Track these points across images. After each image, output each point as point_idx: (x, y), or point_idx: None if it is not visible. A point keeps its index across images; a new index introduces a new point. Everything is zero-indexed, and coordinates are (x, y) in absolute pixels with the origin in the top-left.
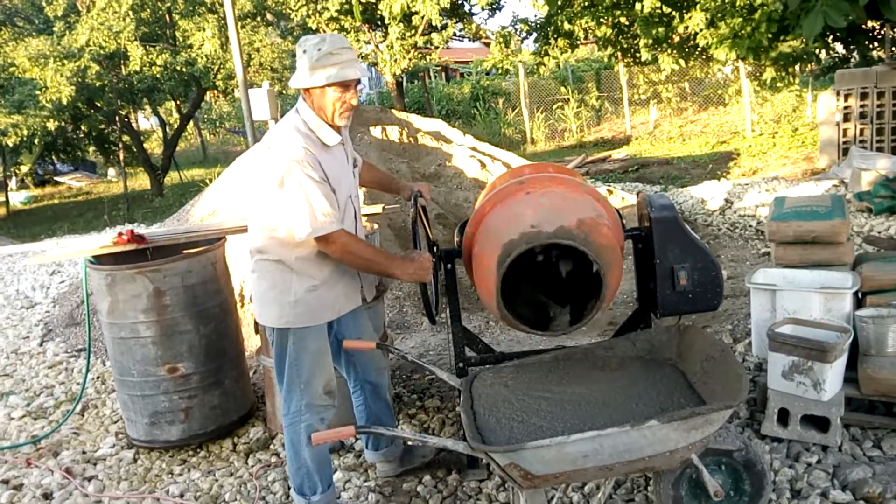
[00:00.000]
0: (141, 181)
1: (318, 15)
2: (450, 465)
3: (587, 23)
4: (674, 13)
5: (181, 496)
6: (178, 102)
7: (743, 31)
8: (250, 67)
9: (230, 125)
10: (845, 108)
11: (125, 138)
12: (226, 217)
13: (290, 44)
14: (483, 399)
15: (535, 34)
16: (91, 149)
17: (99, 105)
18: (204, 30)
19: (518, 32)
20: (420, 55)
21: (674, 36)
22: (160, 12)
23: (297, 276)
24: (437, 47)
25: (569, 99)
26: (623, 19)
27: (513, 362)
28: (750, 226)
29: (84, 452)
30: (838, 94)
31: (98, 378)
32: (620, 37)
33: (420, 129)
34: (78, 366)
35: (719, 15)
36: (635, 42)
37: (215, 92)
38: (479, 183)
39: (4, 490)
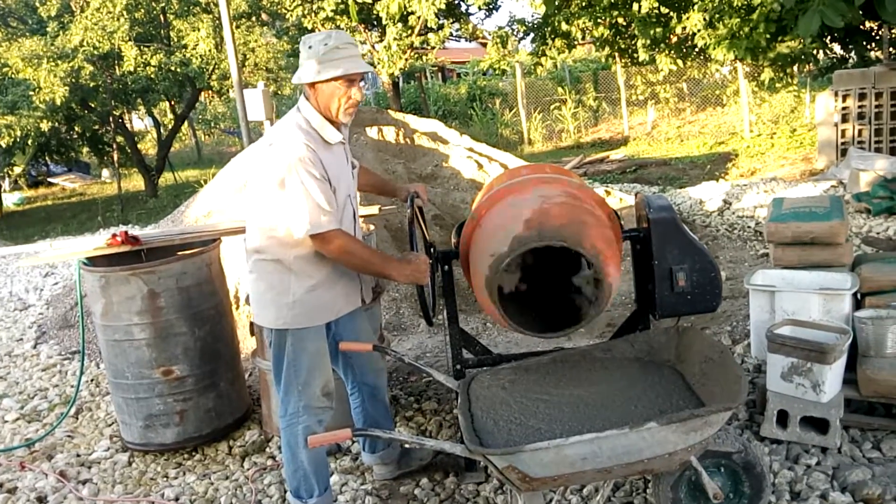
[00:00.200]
0: (135, 182)
1: (313, 15)
2: (447, 468)
3: (584, 23)
4: (671, 13)
5: (176, 500)
6: (173, 103)
7: (741, 32)
8: (245, 68)
9: (225, 126)
10: (843, 108)
11: (119, 139)
12: (221, 218)
13: (286, 44)
14: (480, 401)
15: (531, 34)
16: (85, 150)
17: (93, 105)
18: (199, 30)
19: (515, 33)
20: (416, 55)
21: (672, 36)
22: (154, 12)
23: (296, 277)
24: (433, 47)
25: (566, 99)
26: (621, 19)
27: (510, 364)
28: (748, 227)
29: (78, 455)
30: (836, 94)
31: (92, 381)
32: (618, 37)
33: (416, 130)
34: (72, 368)
35: (717, 15)
36: (633, 42)
37: (210, 92)
38: (475, 184)
39: None
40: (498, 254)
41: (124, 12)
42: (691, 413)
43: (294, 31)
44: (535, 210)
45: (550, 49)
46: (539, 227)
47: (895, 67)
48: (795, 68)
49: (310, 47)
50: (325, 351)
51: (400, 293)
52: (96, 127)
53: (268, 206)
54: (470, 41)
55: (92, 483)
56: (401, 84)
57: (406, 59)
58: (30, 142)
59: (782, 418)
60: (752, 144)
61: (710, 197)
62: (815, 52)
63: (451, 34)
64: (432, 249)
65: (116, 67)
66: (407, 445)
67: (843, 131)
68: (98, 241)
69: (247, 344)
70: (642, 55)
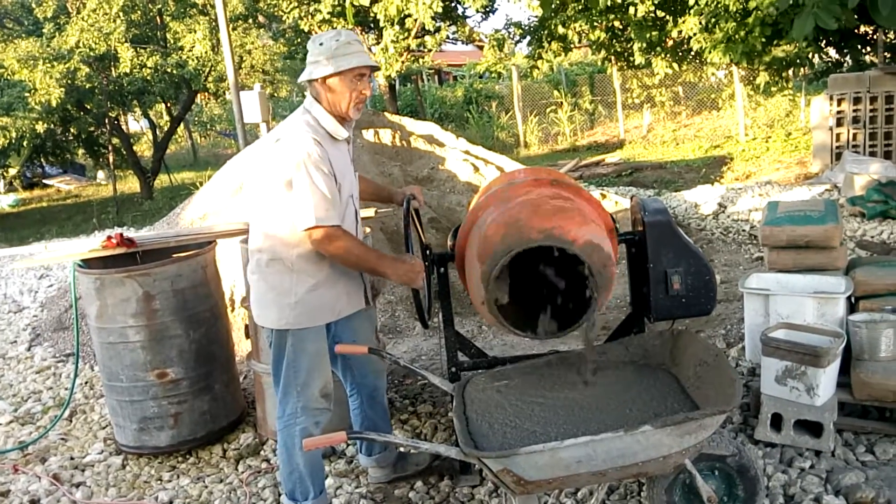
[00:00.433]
0: (130, 184)
1: (310, 17)
2: (442, 471)
3: (581, 26)
4: (667, 17)
5: (170, 503)
6: (169, 105)
7: (737, 36)
8: (242, 69)
9: (221, 128)
10: (838, 112)
11: (115, 141)
12: (216, 221)
13: (282, 46)
14: (476, 404)
15: (528, 37)
16: (80, 151)
17: (88, 107)
18: (195, 31)
19: (511, 36)
20: (413, 58)
21: (667, 40)
22: (151, 14)
23: (297, 276)
24: (430, 50)
25: (562, 102)
26: (617, 23)
27: (506, 367)
28: (743, 230)
29: (72, 458)
30: (831, 98)
31: (86, 383)
32: (614, 40)
33: (413, 133)
34: (66, 370)
35: (713, 19)
36: (629, 46)
37: (206, 94)
38: (472, 186)
39: None
40: (493, 256)
41: (120, 14)
42: (686, 416)
43: (290, 34)
44: (530, 213)
45: (547, 52)
46: (534, 230)
47: (890, 71)
48: (791, 72)
49: (321, 44)
50: (324, 352)
51: (395, 296)
52: (92, 129)
53: (272, 203)
54: (466, 44)
55: (86, 486)
56: (397, 87)
57: (403, 62)
58: (25, 143)
59: (776, 421)
60: (747, 148)
61: (706, 200)
62: (810, 55)
63: (448, 37)
64: (428, 252)
65: (112, 69)
66: (402, 449)
67: (838, 135)
68: (93, 244)
69: (242, 347)
70: (638, 59)
